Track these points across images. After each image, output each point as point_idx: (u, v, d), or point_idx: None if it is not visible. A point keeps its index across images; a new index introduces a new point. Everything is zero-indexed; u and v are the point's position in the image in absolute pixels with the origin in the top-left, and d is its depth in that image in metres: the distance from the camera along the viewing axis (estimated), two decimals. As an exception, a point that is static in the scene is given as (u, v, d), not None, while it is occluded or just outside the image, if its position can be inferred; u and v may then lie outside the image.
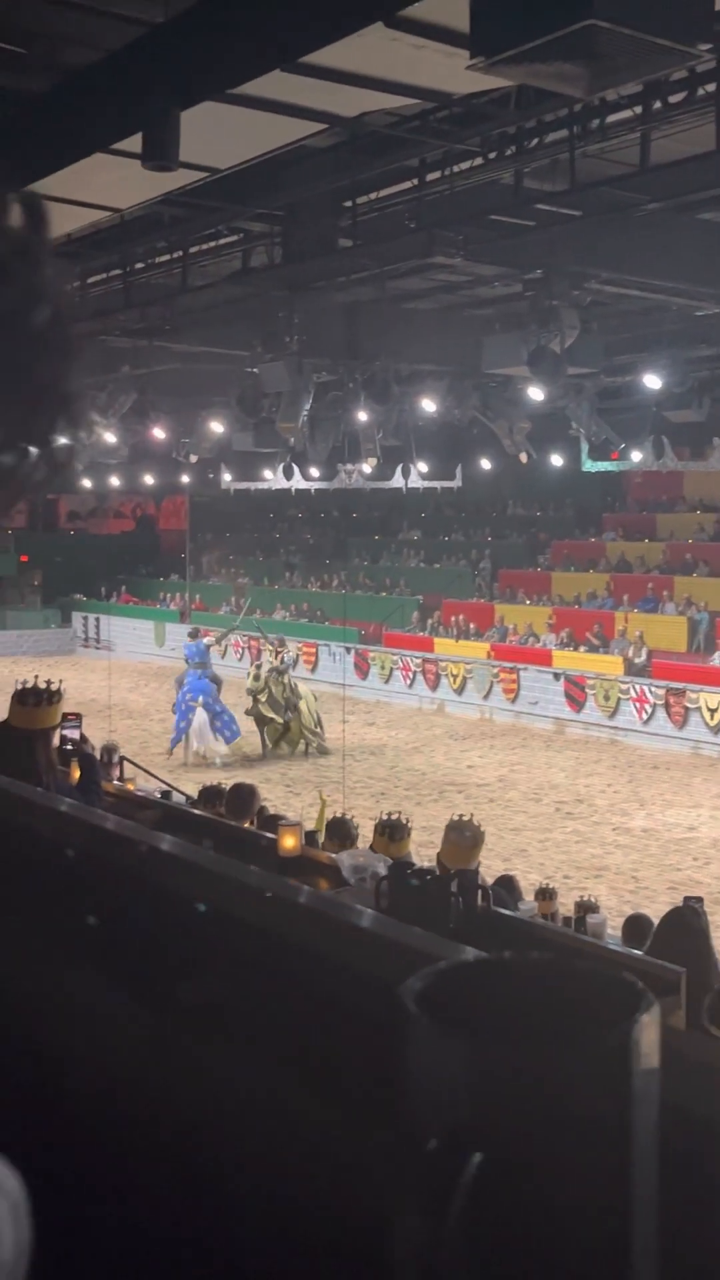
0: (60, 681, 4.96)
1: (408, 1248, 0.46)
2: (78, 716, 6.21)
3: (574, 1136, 0.43)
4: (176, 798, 9.89)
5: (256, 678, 20.82)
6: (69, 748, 5.69)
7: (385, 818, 5.32)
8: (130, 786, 8.86)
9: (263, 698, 20.74)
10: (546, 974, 0.48)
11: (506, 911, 4.27)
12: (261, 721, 20.94)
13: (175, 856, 1.08)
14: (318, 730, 21.30)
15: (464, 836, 5.16)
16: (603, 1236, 0.44)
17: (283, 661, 21.39)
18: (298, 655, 22.05)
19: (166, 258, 12.55)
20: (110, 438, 19.01)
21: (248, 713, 20.91)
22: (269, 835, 5.00)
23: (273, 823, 6.37)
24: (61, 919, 1.06)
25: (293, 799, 17.95)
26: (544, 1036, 0.44)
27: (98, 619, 37.26)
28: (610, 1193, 0.44)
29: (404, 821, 5.30)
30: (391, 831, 5.07)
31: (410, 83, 6.82)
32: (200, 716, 20.41)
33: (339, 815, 8.21)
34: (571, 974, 0.48)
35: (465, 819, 5.38)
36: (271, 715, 20.89)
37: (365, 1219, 0.60)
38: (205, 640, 21.57)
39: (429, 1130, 0.44)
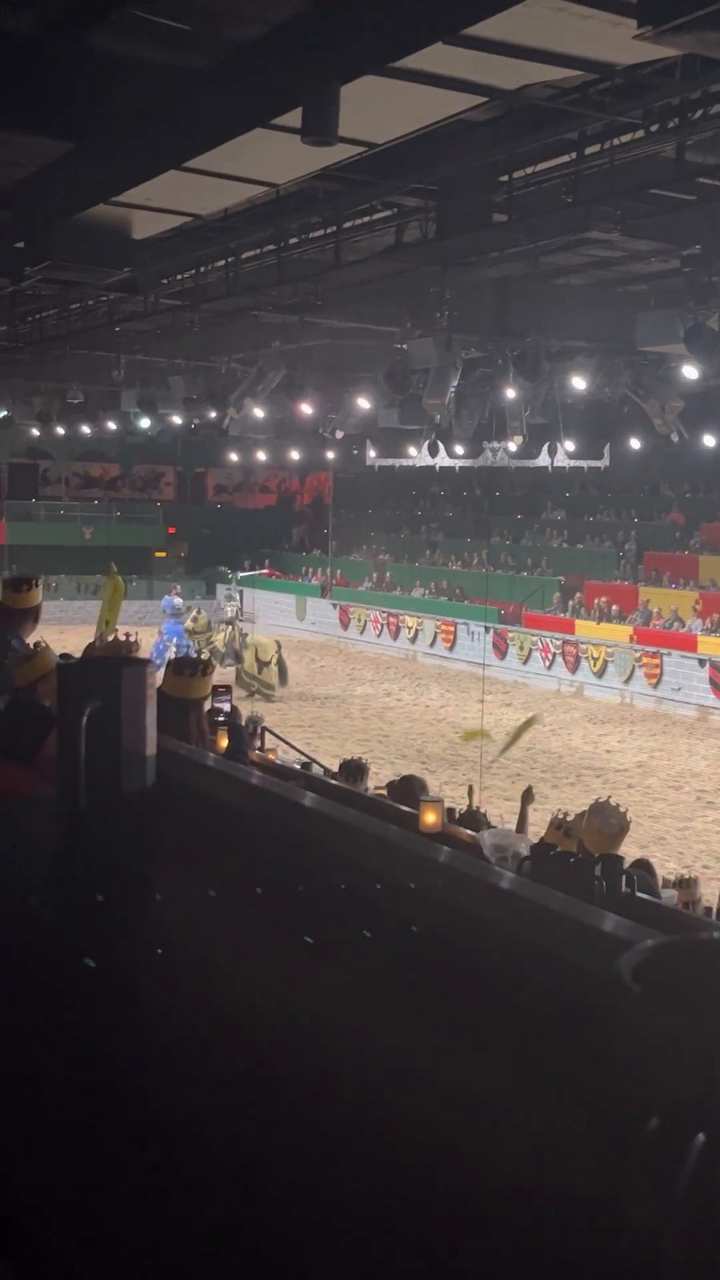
0: (210, 655, 5.06)
1: (634, 1229, 0.45)
2: (228, 689, 6.36)
3: None
4: (315, 769, 9.99)
5: (194, 619, 24.23)
6: (220, 719, 5.85)
7: (562, 816, 5.29)
8: (271, 756, 8.98)
9: (202, 640, 23.66)
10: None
11: (650, 898, 4.20)
12: None
13: (358, 828, 1.09)
14: (259, 676, 23.94)
15: (609, 823, 5.07)
16: None
17: (240, 613, 25.63)
18: (239, 610, 26.31)
19: (320, 233, 12.56)
20: (259, 413, 19.23)
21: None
22: (408, 810, 5.01)
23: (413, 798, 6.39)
24: (244, 882, 1.07)
25: (429, 776, 17.97)
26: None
27: (241, 591, 37.81)
28: None
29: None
30: (568, 829, 5.03)
31: (574, 53, 6.69)
32: (173, 654, 24.89)
33: (473, 808, 8.21)
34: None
35: (612, 803, 5.30)
36: (208, 660, 24.38)
37: (587, 1197, 0.60)
38: (178, 599, 26.79)
39: (649, 1109, 0.43)
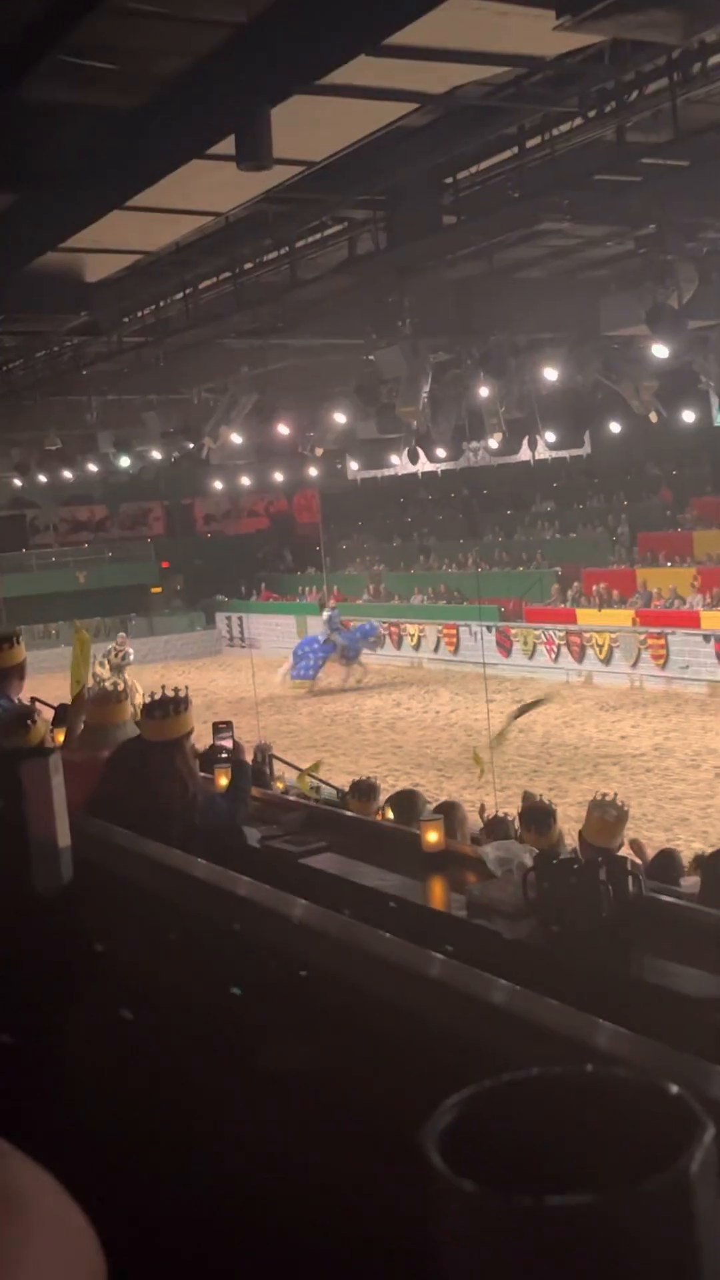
0: (186, 689, 4.99)
1: None
2: (228, 725, 6.21)
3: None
4: (326, 791, 9.94)
5: (102, 664, 24.12)
6: (224, 756, 5.74)
7: (530, 806, 5.11)
8: (279, 785, 8.92)
9: (109, 685, 23.42)
10: (584, 1096, 0.41)
11: (662, 897, 4.15)
12: None
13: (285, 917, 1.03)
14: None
15: (608, 814, 5.03)
16: None
17: (122, 658, 25.63)
18: (125, 656, 26.37)
19: (274, 255, 12.57)
20: (236, 439, 19.21)
21: None
22: (411, 830, 4.95)
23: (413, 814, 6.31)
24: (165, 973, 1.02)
25: (445, 782, 17.91)
26: (587, 1181, 0.37)
27: (240, 618, 37.82)
28: None
29: (548, 804, 5.04)
30: (538, 824, 4.78)
31: (498, 50, 6.68)
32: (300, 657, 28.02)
33: (498, 814, 8.12)
34: (613, 1093, 0.40)
35: (609, 798, 5.26)
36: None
37: None
38: (330, 610, 29.38)
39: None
